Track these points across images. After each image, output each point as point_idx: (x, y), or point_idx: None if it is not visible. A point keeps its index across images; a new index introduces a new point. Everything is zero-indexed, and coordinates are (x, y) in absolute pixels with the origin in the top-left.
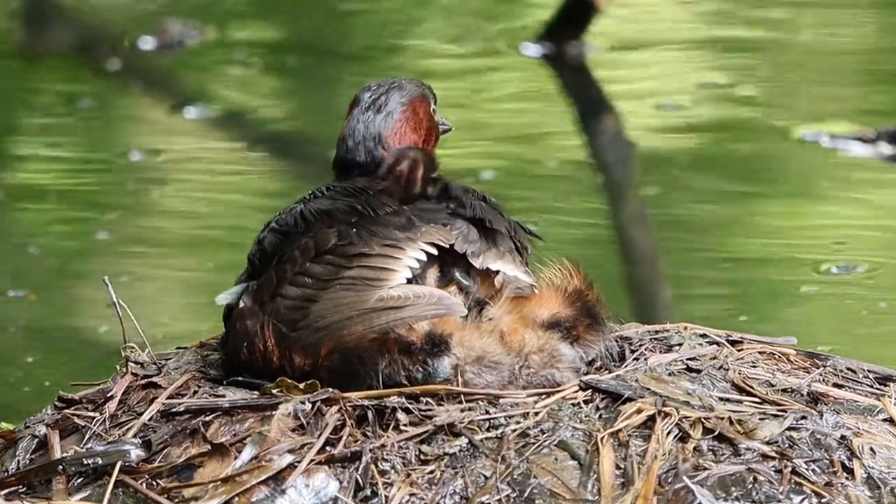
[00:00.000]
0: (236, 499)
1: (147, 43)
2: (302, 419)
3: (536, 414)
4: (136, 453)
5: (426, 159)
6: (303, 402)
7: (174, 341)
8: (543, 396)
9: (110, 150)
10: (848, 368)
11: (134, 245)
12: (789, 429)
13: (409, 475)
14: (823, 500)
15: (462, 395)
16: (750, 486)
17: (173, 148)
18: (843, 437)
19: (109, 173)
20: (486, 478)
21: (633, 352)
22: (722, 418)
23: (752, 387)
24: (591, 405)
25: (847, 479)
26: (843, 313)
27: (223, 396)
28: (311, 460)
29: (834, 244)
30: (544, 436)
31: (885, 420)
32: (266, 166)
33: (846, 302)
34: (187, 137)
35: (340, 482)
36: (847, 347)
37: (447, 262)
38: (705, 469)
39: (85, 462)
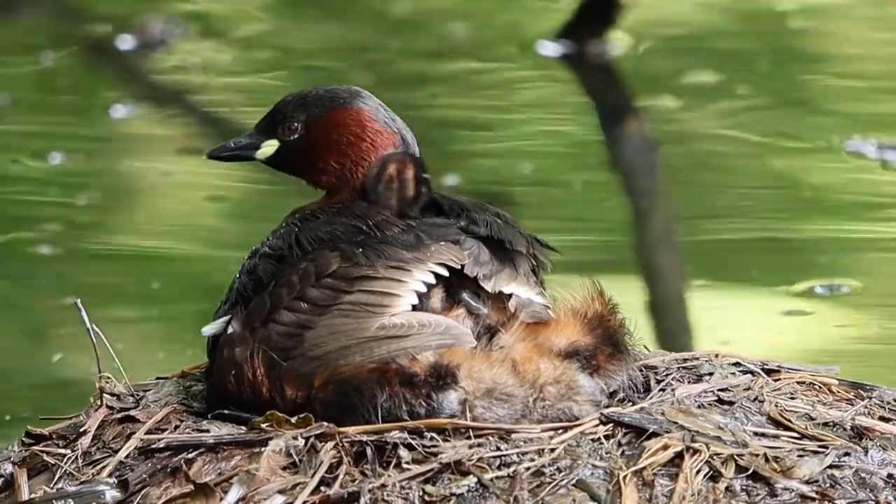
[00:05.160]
0: None
1: (126, 42)
2: (294, 456)
3: (552, 450)
4: (111, 494)
5: (414, 159)
6: (295, 438)
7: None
8: (560, 431)
9: (28, 150)
10: (895, 400)
11: (82, 258)
12: (831, 466)
13: None
14: None
15: (470, 430)
16: None
17: (96, 148)
18: (890, 475)
19: (31, 176)
20: None
21: (658, 382)
22: (757, 455)
23: (789, 420)
24: (612, 441)
25: None
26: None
27: (207, 431)
28: (305, 501)
29: (822, 262)
30: (561, 474)
31: None
32: (197, 166)
33: (833, 324)
34: (112, 137)
35: None
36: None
37: (454, 282)
38: None
39: None
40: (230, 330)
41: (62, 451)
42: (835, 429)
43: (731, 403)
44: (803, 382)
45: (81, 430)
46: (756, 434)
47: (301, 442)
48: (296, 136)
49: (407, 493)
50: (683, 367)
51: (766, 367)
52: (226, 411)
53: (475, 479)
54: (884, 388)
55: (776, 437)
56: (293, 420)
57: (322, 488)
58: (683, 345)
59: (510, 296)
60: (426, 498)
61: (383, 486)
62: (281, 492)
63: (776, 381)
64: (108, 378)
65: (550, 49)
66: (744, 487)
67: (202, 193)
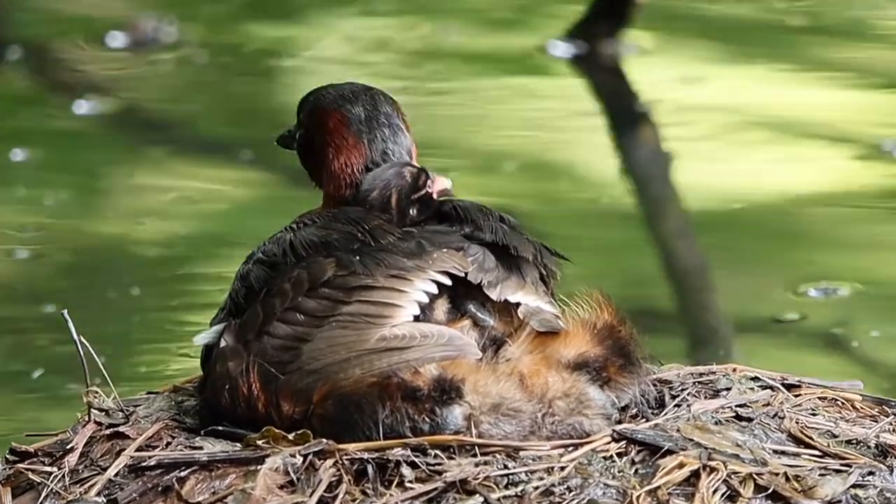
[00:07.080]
0: None
1: (116, 40)
2: (292, 474)
3: (562, 469)
4: None
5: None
6: (293, 455)
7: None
8: (570, 449)
9: None
10: None
11: (62, 263)
12: (854, 486)
13: None
14: None
15: (476, 448)
16: None
17: (59, 146)
18: None
19: None
20: None
21: (673, 397)
22: (776, 474)
23: (811, 438)
24: (625, 458)
25: None
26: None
27: (200, 448)
28: None
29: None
30: (571, 494)
31: None
32: (159, 165)
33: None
34: (75, 134)
35: None
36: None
37: (460, 292)
38: None
39: None
40: (223, 343)
41: (48, 468)
42: (858, 446)
43: (749, 420)
44: (825, 398)
45: (68, 446)
46: (776, 452)
47: (299, 459)
48: (299, 133)
49: None
50: (699, 382)
51: (785, 381)
52: (220, 427)
53: (481, 499)
54: None
55: (797, 455)
56: (290, 436)
57: None
58: (710, 356)
59: (517, 305)
60: None
61: None
62: None
63: (797, 396)
64: (97, 392)
65: (561, 50)
66: None
67: (170, 194)
